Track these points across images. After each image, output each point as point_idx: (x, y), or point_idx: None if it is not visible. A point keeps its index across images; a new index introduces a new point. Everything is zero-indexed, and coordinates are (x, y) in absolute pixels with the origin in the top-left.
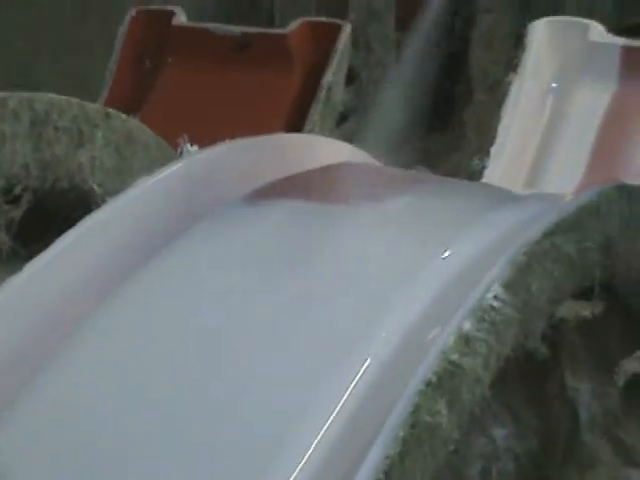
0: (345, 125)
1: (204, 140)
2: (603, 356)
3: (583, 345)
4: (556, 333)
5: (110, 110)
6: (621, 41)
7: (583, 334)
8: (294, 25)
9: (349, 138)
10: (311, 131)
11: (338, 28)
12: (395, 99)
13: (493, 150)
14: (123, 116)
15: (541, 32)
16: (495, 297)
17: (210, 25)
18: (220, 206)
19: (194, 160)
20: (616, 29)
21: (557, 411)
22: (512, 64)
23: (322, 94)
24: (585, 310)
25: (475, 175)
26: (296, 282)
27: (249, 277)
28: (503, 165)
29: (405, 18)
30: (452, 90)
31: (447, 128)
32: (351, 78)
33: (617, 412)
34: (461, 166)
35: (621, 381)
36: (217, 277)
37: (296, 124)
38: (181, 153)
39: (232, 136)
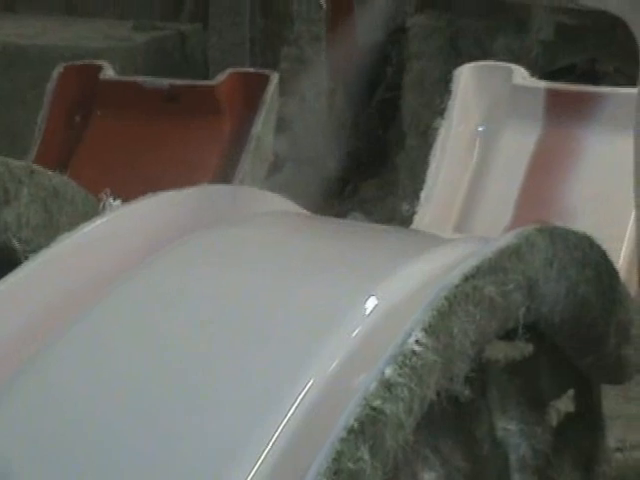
0: (279, 174)
1: (134, 193)
2: (533, 396)
3: (513, 385)
4: (483, 375)
5: (35, 166)
6: (545, 84)
7: (513, 374)
8: (222, 76)
9: (284, 187)
10: (242, 182)
11: (266, 78)
12: (329, 146)
13: (422, 195)
14: (49, 172)
15: (466, 77)
16: (417, 342)
17: (138, 78)
18: (146, 259)
19: (117, 214)
20: (545, 72)
21: (487, 452)
22: (439, 109)
23: (252, 144)
24: (514, 351)
25: (407, 220)
26: (220, 331)
27: (172, 326)
28: (432, 210)
29: (337, 66)
30: (385, 136)
31: (381, 174)
32: (284, 127)
33: (548, 452)
34: (396, 212)
35: (554, 420)
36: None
37: (226, 175)
38: (104, 208)
39: (161, 188)
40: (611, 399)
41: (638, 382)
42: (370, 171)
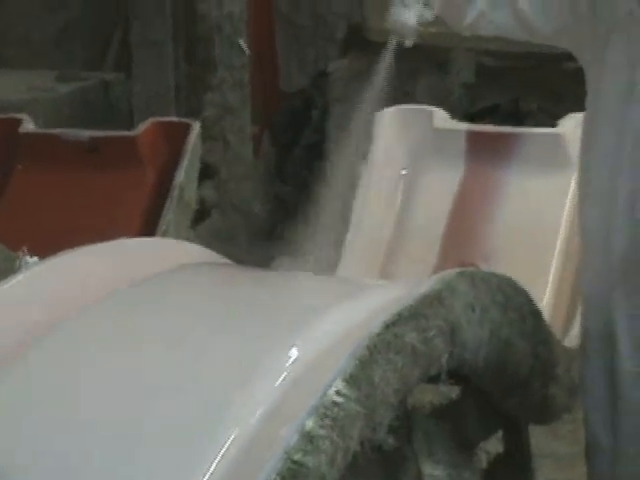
0: (207, 221)
1: (55, 246)
2: (461, 439)
3: (439, 430)
4: (409, 421)
5: None
6: (465, 126)
7: (439, 419)
8: (143, 126)
9: (211, 233)
10: (165, 231)
11: (187, 127)
12: (255, 191)
13: (347, 238)
14: None
15: (388, 121)
16: (337, 392)
17: (58, 130)
18: (65, 316)
19: (34, 271)
20: (468, 113)
21: None
22: (362, 153)
23: (175, 193)
24: (439, 396)
25: (334, 264)
26: (140, 387)
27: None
28: (358, 253)
29: (261, 112)
30: (312, 179)
31: (308, 217)
32: (210, 174)
33: None
34: (323, 255)
35: (484, 462)
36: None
37: (150, 225)
38: (20, 266)
39: (83, 242)
40: (540, 438)
41: (566, 421)
42: (297, 214)
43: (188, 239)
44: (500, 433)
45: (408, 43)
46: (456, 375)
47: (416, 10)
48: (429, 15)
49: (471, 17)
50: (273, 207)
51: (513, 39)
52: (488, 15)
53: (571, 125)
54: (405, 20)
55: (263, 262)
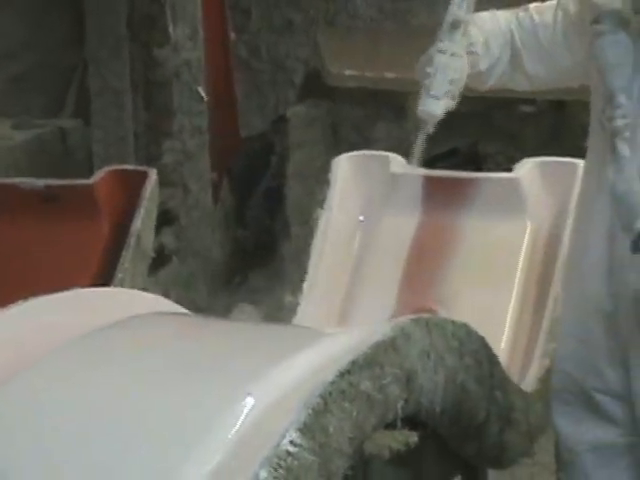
0: (167, 268)
1: (10, 298)
2: None
3: (397, 477)
4: (366, 468)
5: None
6: (422, 171)
7: (397, 465)
8: (99, 175)
9: (172, 280)
10: (122, 279)
11: (144, 174)
12: (215, 237)
13: (305, 286)
14: None
15: (344, 166)
16: (291, 442)
17: (14, 180)
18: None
19: None
20: (426, 157)
21: None
22: (319, 200)
23: (132, 241)
24: (397, 442)
25: (293, 311)
26: (93, 442)
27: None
28: (316, 300)
29: (220, 157)
30: (272, 225)
31: (268, 264)
32: (170, 220)
33: None
34: (283, 302)
35: None
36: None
37: (107, 274)
38: None
39: (39, 292)
40: None
41: (526, 464)
42: (258, 261)
43: (145, 288)
44: (459, 478)
45: (431, 129)
46: (413, 421)
47: (445, 102)
48: (452, 105)
49: (493, 81)
50: (233, 253)
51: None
52: (508, 76)
53: (527, 169)
54: (433, 111)
55: (224, 309)
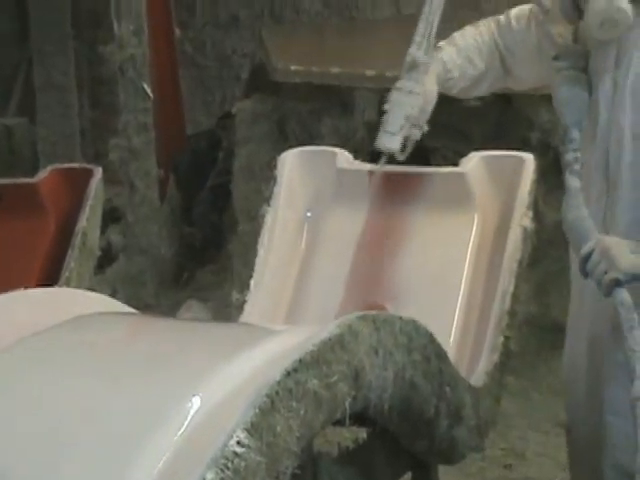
0: (114, 265)
1: None
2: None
3: (346, 474)
4: (314, 467)
5: None
6: (368, 166)
7: (346, 463)
8: (43, 173)
9: (120, 278)
10: (68, 278)
11: (89, 172)
12: (162, 234)
13: (252, 282)
14: None
15: (290, 162)
16: (238, 443)
17: None
18: None
19: None
20: (371, 154)
21: None
22: (265, 196)
23: (77, 240)
24: (345, 438)
25: (241, 308)
26: (40, 443)
27: None
28: (263, 297)
29: (167, 154)
30: (219, 222)
31: (217, 260)
32: (116, 218)
33: None
34: (231, 299)
35: None
36: None
37: (52, 273)
38: None
39: None
40: (450, 477)
41: (476, 459)
42: (206, 258)
43: (91, 286)
44: (409, 474)
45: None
46: (362, 418)
47: (401, 137)
48: (418, 134)
49: (487, 89)
50: (180, 250)
51: None
52: (502, 81)
53: (473, 163)
54: (390, 147)
55: (171, 306)
